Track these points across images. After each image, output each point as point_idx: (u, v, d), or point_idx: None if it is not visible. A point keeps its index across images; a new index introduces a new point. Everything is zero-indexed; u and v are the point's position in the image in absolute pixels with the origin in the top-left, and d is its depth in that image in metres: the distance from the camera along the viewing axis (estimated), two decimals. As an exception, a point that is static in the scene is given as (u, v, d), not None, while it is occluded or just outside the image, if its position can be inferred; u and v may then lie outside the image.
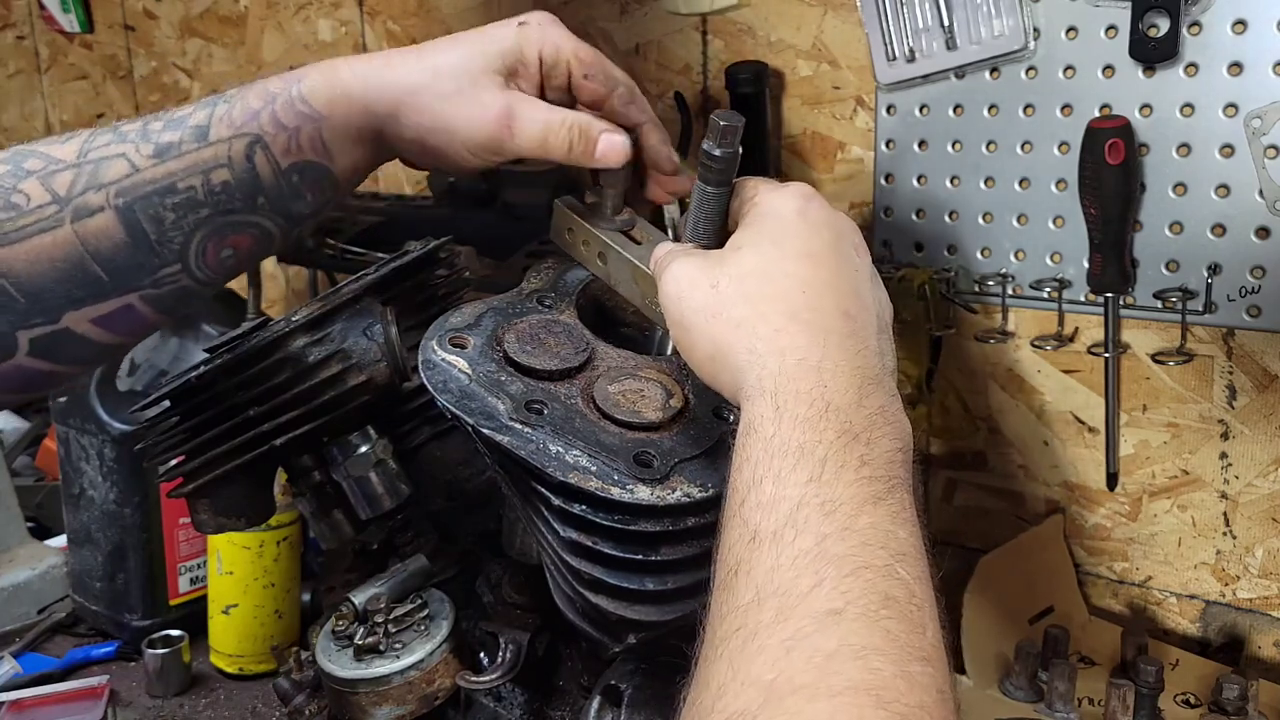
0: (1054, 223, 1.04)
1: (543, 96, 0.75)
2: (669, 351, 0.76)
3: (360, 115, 0.72)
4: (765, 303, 0.61)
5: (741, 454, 0.57)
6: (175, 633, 1.19)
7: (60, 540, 1.37)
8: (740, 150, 0.69)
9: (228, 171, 0.70)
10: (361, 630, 0.87)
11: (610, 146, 0.73)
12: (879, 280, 0.67)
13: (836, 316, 0.61)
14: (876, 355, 0.61)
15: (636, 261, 0.75)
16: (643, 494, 0.63)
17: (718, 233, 0.72)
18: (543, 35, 0.73)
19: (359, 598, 0.89)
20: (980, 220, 1.08)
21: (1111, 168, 0.96)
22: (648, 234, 0.79)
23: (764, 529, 0.52)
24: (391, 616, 0.87)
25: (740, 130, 0.68)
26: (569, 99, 0.76)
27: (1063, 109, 1.01)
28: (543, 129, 0.72)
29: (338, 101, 0.71)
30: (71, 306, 0.69)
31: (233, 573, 1.17)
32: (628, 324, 0.81)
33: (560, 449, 0.64)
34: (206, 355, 0.86)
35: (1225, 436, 1.00)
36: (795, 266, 0.62)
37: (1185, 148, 0.96)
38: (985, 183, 1.07)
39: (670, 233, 0.83)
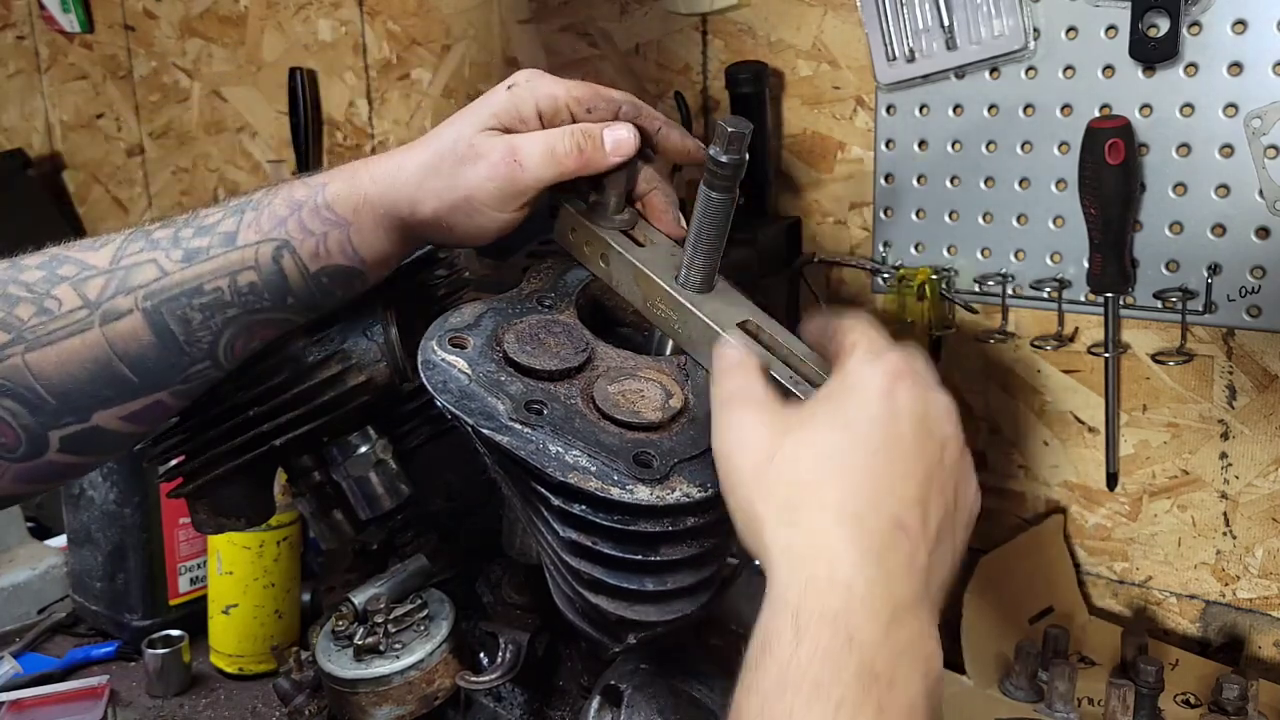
0: (1054, 223, 1.04)
1: None
2: (668, 352, 0.76)
3: (383, 218, 0.72)
4: (815, 496, 0.56)
5: (756, 673, 0.53)
6: (175, 633, 1.19)
7: (60, 540, 1.37)
8: (747, 157, 0.69)
9: (255, 273, 0.71)
10: (361, 630, 0.87)
11: (618, 139, 0.73)
12: (968, 471, 0.61)
13: (889, 527, 0.56)
14: (923, 573, 0.56)
15: (638, 264, 0.75)
16: (642, 494, 0.63)
17: (720, 239, 0.72)
18: (534, 91, 0.73)
19: (359, 598, 0.89)
20: (980, 220, 1.08)
21: (1111, 168, 0.96)
22: (650, 235, 0.79)
23: None
24: (391, 616, 0.87)
25: (748, 137, 0.68)
26: None
27: (1063, 109, 1.01)
28: (545, 145, 0.71)
29: (361, 209, 0.72)
30: (101, 406, 0.70)
31: (233, 573, 1.17)
32: (628, 324, 0.81)
33: (560, 449, 0.64)
34: (206, 355, 0.86)
35: (1225, 436, 1.00)
36: (862, 461, 0.57)
37: (1185, 148, 0.96)
38: (985, 183, 1.07)
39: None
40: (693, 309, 0.72)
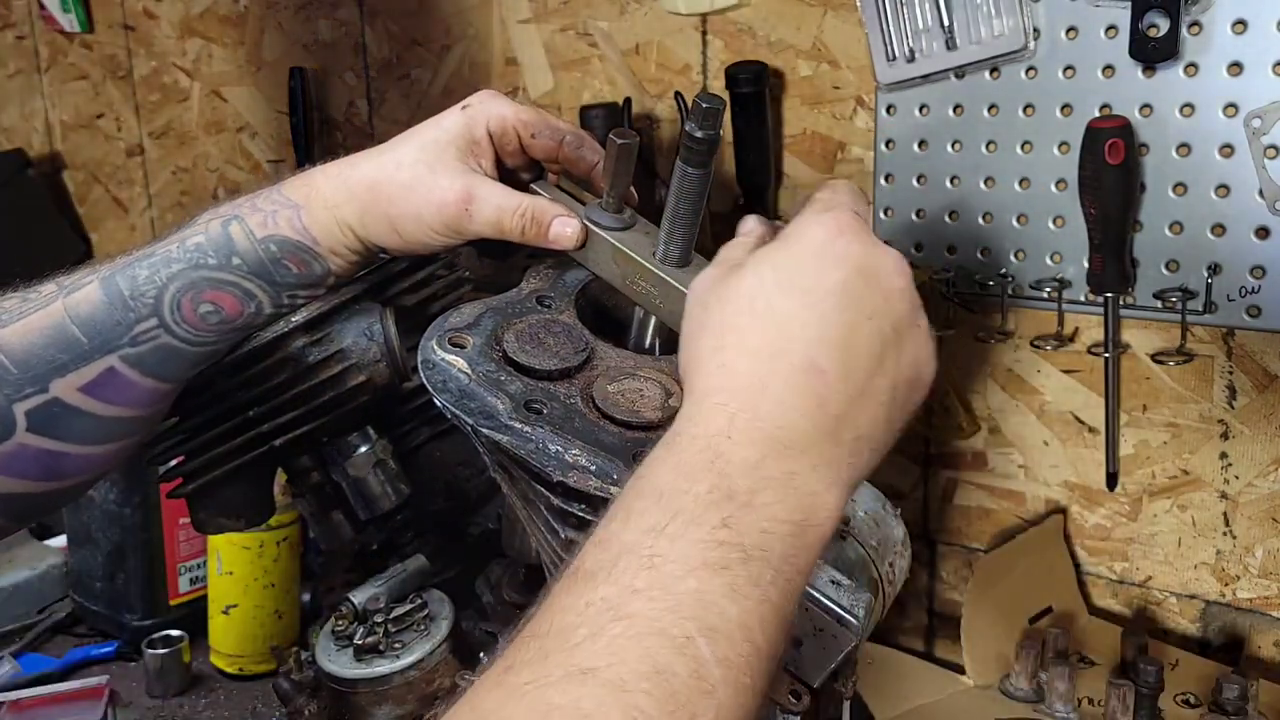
0: (1054, 223, 1.04)
1: (500, 165, 0.79)
2: (649, 335, 0.77)
3: (335, 209, 0.76)
4: (730, 334, 0.58)
5: (626, 486, 0.54)
6: (175, 633, 1.19)
7: (60, 540, 1.37)
8: (720, 134, 0.70)
9: (203, 236, 0.75)
10: (361, 630, 0.87)
11: (561, 232, 0.76)
12: (920, 334, 0.60)
13: (798, 367, 0.56)
14: (833, 420, 0.55)
15: (616, 243, 0.76)
16: (642, 494, 0.63)
17: (696, 214, 0.73)
18: (486, 111, 0.77)
19: (359, 598, 0.89)
20: (980, 220, 1.08)
21: (1111, 168, 0.96)
22: (643, 228, 0.79)
23: (585, 568, 0.50)
24: (391, 616, 0.87)
25: (722, 113, 0.70)
26: (525, 160, 0.80)
27: (1063, 109, 1.01)
28: (497, 213, 0.75)
29: (313, 197, 0.76)
30: (56, 373, 0.72)
31: (233, 573, 1.17)
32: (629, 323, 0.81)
33: (559, 448, 0.64)
34: (206, 355, 0.86)
35: (1225, 436, 1.00)
36: (782, 302, 0.57)
37: (1185, 148, 0.96)
38: (985, 183, 1.07)
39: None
40: (673, 283, 0.73)
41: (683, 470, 0.53)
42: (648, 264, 0.74)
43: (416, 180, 0.75)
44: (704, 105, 0.69)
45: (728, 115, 1.13)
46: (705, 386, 0.57)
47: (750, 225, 0.69)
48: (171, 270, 0.74)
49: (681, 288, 0.72)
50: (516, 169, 0.80)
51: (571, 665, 0.45)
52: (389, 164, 0.76)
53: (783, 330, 0.57)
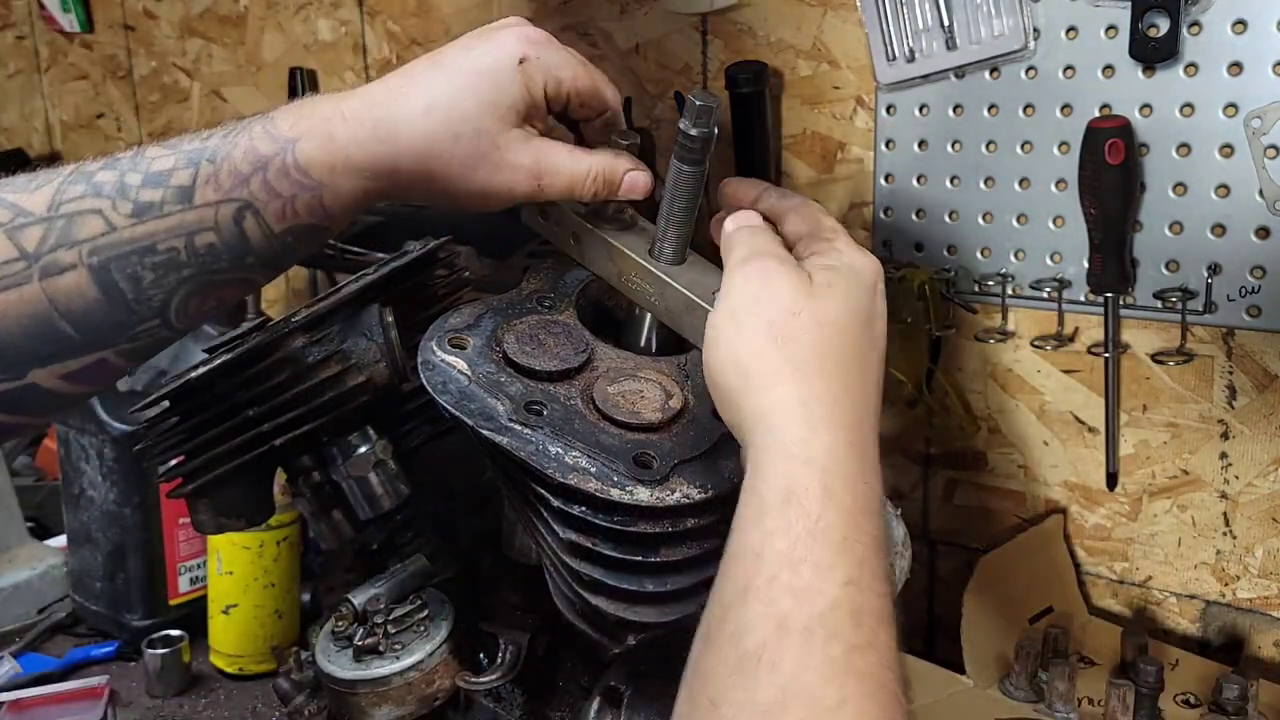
0: (1054, 223, 1.04)
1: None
2: (644, 331, 0.77)
3: (368, 182, 0.69)
4: (833, 363, 0.63)
5: (775, 519, 0.57)
6: (175, 633, 1.19)
7: (60, 540, 1.37)
8: (716, 131, 0.70)
9: (214, 235, 0.67)
10: (361, 631, 0.87)
11: (633, 184, 0.75)
12: None
13: (871, 404, 0.64)
14: (873, 449, 0.63)
15: (611, 240, 0.76)
16: (642, 495, 0.63)
17: (691, 212, 0.73)
18: (545, 72, 0.72)
19: (359, 598, 0.89)
20: (980, 220, 1.08)
21: (1111, 168, 0.96)
22: (643, 228, 0.79)
23: (795, 620, 0.53)
24: (391, 617, 0.87)
25: (715, 110, 0.70)
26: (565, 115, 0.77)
27: (1063, 109, 1.01)
28: (569, 182, 0.73)
29: (339, 170, 0.68)
30: (39, 364, 0.66)
31: (233, 573, 1.17)
32: (626, 322, 0.81)
33: (560, 450, 0.64)
34: (206, 355, 0.86)
35: (1225, 436, 1.00)
36: (864, 341, 0.65)
37: (1185, 148, 0.96)
38: (985, 183, 1.07)
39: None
40: (669, 280, 0.73)
41: (850, 517, 0.58)
42: (643, 261, 0.74)
43: (479, 158, 0.69)
44: (698, 103, 0.69)
45: (728, 115, 1.14)
46: (824, 418, 0.61)
47: (739, 189, 0.73)
48: (181, 275, 0.67)
49: (677, 284, 0.72)
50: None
51: None
52: (437, 126, 0.69)
53: (866, 373, 0.65)
